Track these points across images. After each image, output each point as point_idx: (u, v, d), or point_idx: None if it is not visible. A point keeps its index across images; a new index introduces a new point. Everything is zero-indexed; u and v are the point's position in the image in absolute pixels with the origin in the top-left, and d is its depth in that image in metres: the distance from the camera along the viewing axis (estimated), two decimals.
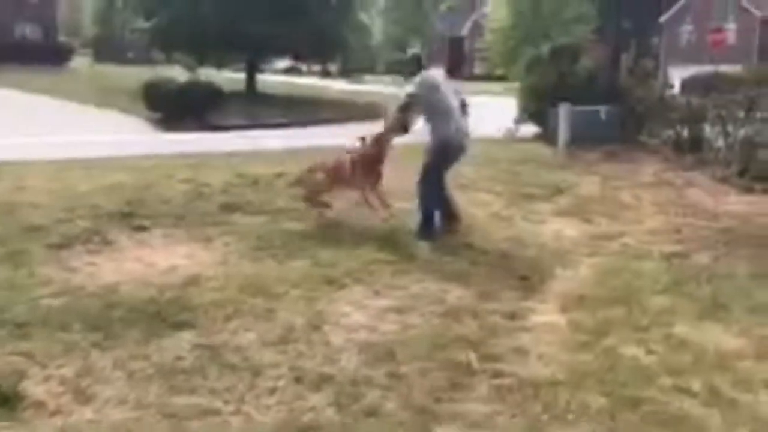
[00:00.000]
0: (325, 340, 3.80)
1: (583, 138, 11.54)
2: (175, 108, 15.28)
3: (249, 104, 18.16)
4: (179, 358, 3.48)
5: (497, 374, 3.56)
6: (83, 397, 3.05)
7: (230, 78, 22.26)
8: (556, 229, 6.67)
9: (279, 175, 7.88)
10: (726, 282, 5.24)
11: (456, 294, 4.63)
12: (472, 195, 7.85)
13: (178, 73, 18.28)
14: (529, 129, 13.79)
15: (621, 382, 3.57)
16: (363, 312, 4.19)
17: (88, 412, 2.94)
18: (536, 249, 5.85)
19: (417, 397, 3.25)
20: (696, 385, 3.59)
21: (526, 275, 5.18)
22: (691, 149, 10.79)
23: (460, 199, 7.62)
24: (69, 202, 6.16)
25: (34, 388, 3.07)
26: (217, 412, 3.02)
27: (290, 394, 3.23)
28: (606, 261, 5.66)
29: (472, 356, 3.74)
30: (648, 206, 7.98)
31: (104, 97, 17.82)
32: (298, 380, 3.36)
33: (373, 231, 5.89)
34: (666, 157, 10.74)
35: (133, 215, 5.88)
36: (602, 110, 11.83)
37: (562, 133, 11.53)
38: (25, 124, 13.50)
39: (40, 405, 2.95)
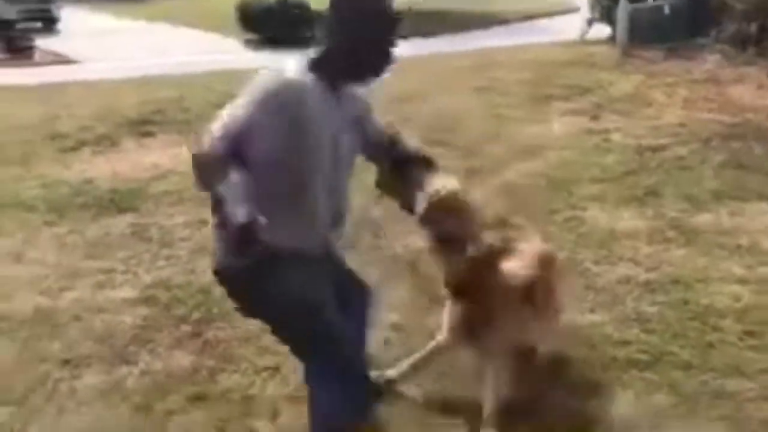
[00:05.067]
0: None
1: (646, 36, 11.08)
2: (267, 28, 15.98)
3: None
4: (108, 234, 4.18)
5: None
6: (14, 258, 3.83)
7: None
8: (549, 127, 6.77)
9: None
10: (681, 172, 5.28)
11: None
12: (487, 97, 8.00)
13: None
14: (605, 30, 13.33)
15: None
16: None
17: (13, 269, 3.71)
18: (505, 145, 6.05)
19: None
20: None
21: (475, 168, 5.46)
22: (756, 42, 10.15)
23: (474, 102, 7.88)
24: (102, 113, 7.01)
25: None
26: (109, 271, 3.69)
27: (183, 262, 3.84)
28: (569, 154, 5.79)
29: None
30: (677, 103, 7.79)
31: (201, 20, 18.74)
32: (196, 251, 3.96)
33: None
34: (726, 53, 10.15)
35: (148, 123, 6.62)
36: (666, 5, 11.24)
37: (620, 31, 11.12)
38: (122, 48, 14.67)
39: None
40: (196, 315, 3.25)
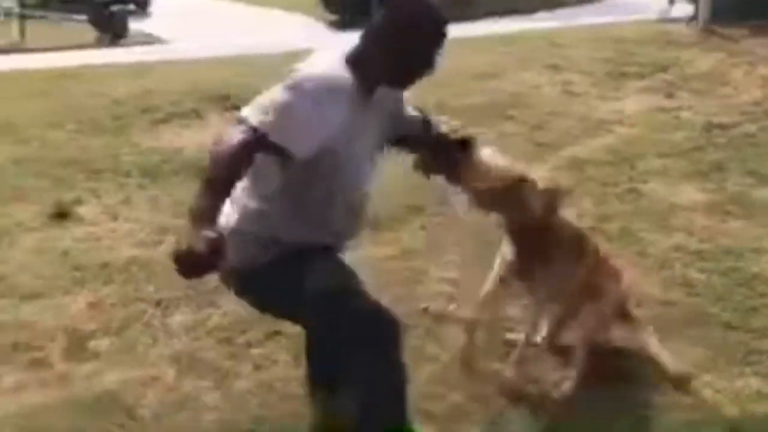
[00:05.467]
0: None
1: (730, 13, 10.80)
2: (351, 9, 16.28)
3: None
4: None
5: None
6: (112, 216, 4.26)
7: None
8: (622, 105, 6.82)
9: None
10: (750, 148, 5.30)
11: None
12: (560, 75, 8.06)
13: None
14: (687, 8, 13.03)
15: None
16: None
17: (112, 225, 4.15)
18: (573, 121, 6.16)
19: None
20: (614, 227, 4.00)
21: (543, 142, 5.61)
22: None
23: (548, 79, 7.96)
24: (189, 89, 7.47)
25: (84, 210, 4.35)
26: None
27: None
28: (638, 131, 5.86)
29: None
30: (755, 81, 7.67)
31: (285, 0, 19.20)
32: None
33: None
34: None
35: (232, 98, 7.01)
36: None
37: (702, 8, 10.89)
38: (208, 29, 15.29)
39: (82, 219, 4.22)
40: None
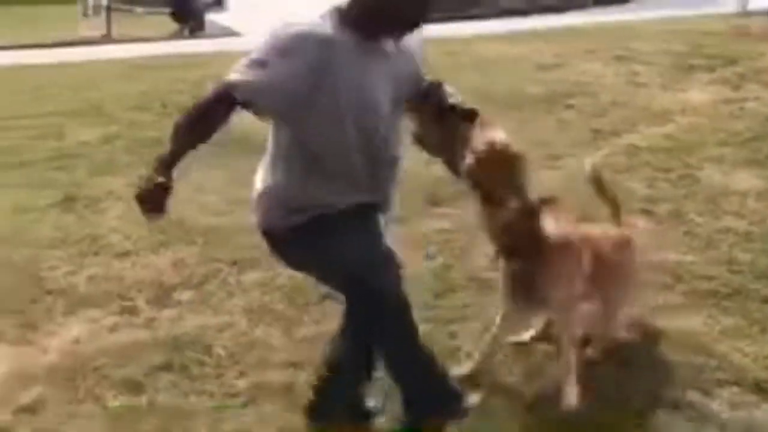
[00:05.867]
0: None
1: None
2: None
3: None
4: None
5: None
6: (198, 188, 4.59)
7: None
8: (686, 96, 6.85)
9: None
10: None
11: None
12: (626, 66, 8.10)
13: None
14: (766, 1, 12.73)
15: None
16: None
17: (193, 196, 4.49)
18: (634, 110, 6.25)
19: None
20: (663, 209, 4.14)
21: (600, 129, 5.73)
22: None
23: (613, 70, 8.00)
24: None
25: None
26: None
27: None
28: (700, 120, 5.91)
29: None
30: None
31: None
32: None
33: None
34: None
35: None
36: None
37: None
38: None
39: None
40: None
